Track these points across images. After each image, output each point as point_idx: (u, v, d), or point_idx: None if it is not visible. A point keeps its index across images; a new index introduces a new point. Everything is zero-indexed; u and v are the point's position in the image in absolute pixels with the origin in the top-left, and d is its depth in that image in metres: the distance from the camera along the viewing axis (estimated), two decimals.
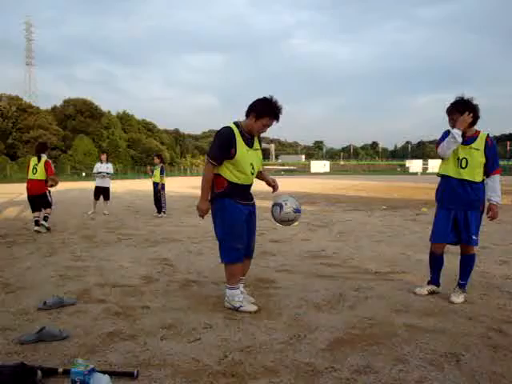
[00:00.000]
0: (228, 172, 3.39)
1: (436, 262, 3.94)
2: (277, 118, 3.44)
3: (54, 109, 70.17)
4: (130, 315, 3.37)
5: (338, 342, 2.84)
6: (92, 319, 3.27)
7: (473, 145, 3.64)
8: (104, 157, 12.16)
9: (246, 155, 3.40)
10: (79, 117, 67.51)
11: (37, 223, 8.25)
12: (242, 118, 3.49)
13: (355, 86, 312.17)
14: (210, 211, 3.53)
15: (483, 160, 3.63)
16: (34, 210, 8.37)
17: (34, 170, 8.26)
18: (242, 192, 3.47)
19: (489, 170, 3.68)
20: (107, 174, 11.80)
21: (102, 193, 11.65)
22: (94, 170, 12.14)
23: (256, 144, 3.54)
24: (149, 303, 3.68)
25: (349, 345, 2.80)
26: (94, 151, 59.02)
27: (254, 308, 3.47)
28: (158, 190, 11.16)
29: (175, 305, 3.64)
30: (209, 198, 3.48)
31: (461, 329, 3.09)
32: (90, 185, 14.51)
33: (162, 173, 11.33)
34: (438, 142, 3.83)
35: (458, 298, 3.71)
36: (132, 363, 2.53)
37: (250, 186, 3.57)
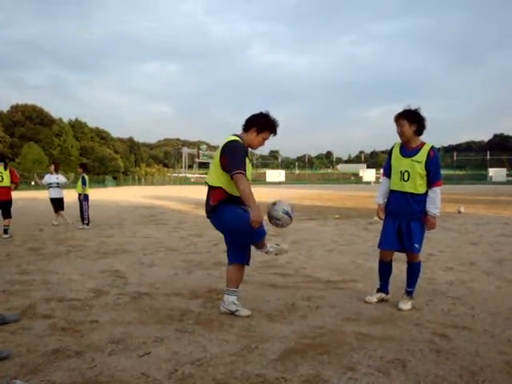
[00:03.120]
0: (229, 185, 3.41)
1: (384, 270, 4.06)
2: (275, 132, 3.60)
3: None
4: (77, 330, 3.26)
5: (289, 352, 2.86)
6: (36, 336, 3.14)
7: (414, 157, 3.76)
8: (53, 167, 11.76)
9: (248, 167, 3.49)
10: (28, 123, 65.21)
11: (5, 231, 8.75)
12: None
13: (311, 96, 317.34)
14: (215, 223, 3.58)
15: (424, 172, 3.73)
16: (3, 217, 8.93)
17: (1, 178, 8.77)
18: (237, 202, 3.46)
19: (430, 183, 3.77)
20: (57, 184, 11.43)
21: (56, 204, 11.36)
22: (44, 182, 11.75)
23: (249, 156, 3.67)
24: (97, 317, 3.56)
25: (299, 354, 2.82)
26: (43, 160, 56.96)
27: (247, 312, 3.62)
28: (80, 200, 10.69)
29: (125, 318, 3.55)
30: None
31: (407, 335, 3.19)
32: (39, 194, 13.96)
33: (83, 183, 10.81)
34: (383, 168, 4.10)
35: (406, 305, 3.83)
36: (78, 381, 2.44)
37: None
